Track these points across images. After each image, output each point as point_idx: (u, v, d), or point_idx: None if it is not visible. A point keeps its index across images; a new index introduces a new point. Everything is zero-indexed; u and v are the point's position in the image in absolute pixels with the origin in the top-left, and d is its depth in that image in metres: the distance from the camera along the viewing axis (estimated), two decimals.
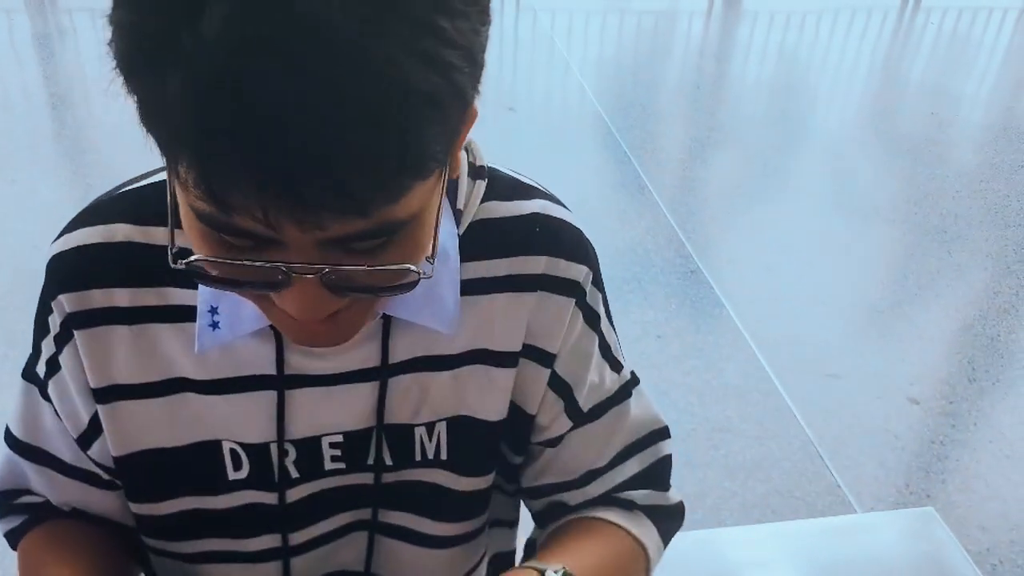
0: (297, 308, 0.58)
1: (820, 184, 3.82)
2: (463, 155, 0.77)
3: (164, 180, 0.76)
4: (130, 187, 0.78)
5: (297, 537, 0.84)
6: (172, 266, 0.59)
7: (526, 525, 0.99)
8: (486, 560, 0.96)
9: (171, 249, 0.61)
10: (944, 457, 2.43)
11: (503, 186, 0.80)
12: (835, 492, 2.29)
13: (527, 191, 0.81)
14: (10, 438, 0.85)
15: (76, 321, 0.75)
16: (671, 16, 5.73)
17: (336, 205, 0.50)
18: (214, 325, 0.73)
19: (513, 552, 1.04)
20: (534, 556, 0.84)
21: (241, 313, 0.73)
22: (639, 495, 0.89)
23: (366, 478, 0.82)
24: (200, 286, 0.73)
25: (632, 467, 0.89)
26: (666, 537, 0.91)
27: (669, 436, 0.91)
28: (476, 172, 0.78)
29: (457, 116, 0.53)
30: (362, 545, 0.87)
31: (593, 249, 0.84)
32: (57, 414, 0.81)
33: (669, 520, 0.92)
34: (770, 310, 2.94)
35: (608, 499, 0.88)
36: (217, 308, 0.73)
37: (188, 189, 0.52)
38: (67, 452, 0.82)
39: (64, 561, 0.81)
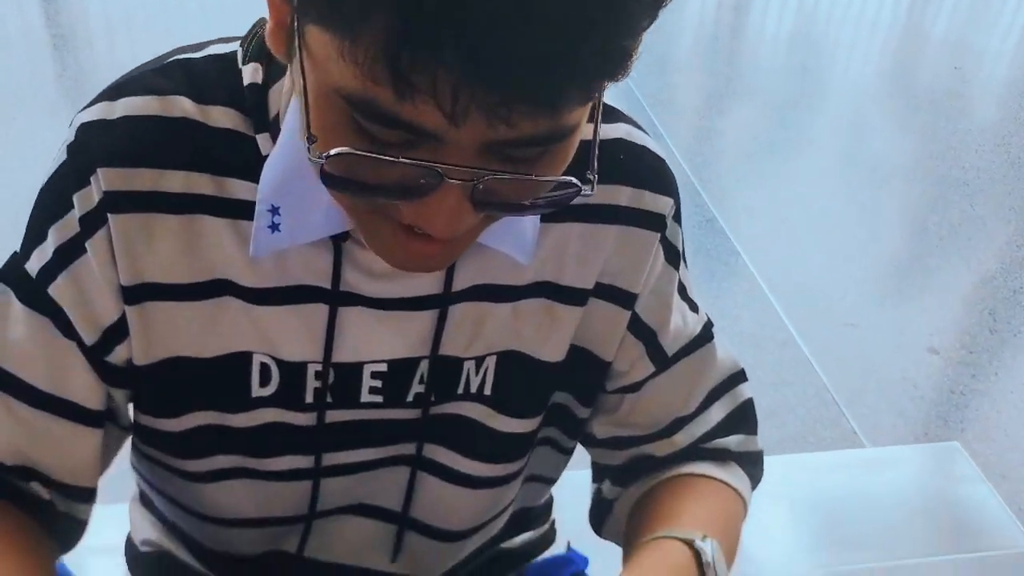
0: (433, 220, 0.52)
1: (839, 137, 3.73)
2: None
3: (223, 55, 0.67)
4: (182, 56, 0.68)
5: (332, 458, 0.77)
6: (308, 158, 0.52)
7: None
8: (511, 509, 0.90)
9: (307, 134, 0.52)
10: (964, 406, 2.38)
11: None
12: (851, 439, 2.24)
13: (610, 113, 0.74)
14: None
15: (115, 203, 0.65)
16: None
17: (540, 97, 0.46)
18: (274, 227, 0.65)
19: (539, 507, 0.98)
20: (640, 519, 0.80)
21: (305, 218, 0.65)
22: (732, 441, 0.83)
23: (408, 414, 0.76)
24: (261, 182, 0.64)
25: (717, 413, 0.83)
26: (754, 486, 0.86)
27: (747, 379, 0.86)
28: None
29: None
30: (402, 481, 0.80)
31: (675, 179, 0.78)
32: (59, 327, 0.68)
33: (756, 468, 0.86)
34: (786, 260, 2.88)
35: (698, 451, 0.82)
36: (279, 209, 0.65)
37: (357, 64, 0.46)
38: (42, 376, 0.69)
39: None
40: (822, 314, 2.65)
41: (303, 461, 0.76)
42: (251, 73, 0.65)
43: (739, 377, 0.85)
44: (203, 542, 0.86)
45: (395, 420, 0.76)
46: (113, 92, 0.66)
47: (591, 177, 0.56)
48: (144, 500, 0.95)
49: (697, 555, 0.70)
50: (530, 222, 0.70)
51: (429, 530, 0.83)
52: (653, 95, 3.84)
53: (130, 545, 0.98)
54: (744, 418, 0.84)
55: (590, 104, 0.53)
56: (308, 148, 0.52)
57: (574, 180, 0.54)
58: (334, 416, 0.75)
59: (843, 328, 2.62)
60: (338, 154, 0.50)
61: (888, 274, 2.89)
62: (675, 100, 3.89)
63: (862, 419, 2.30)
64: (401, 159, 0.49)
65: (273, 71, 0.66)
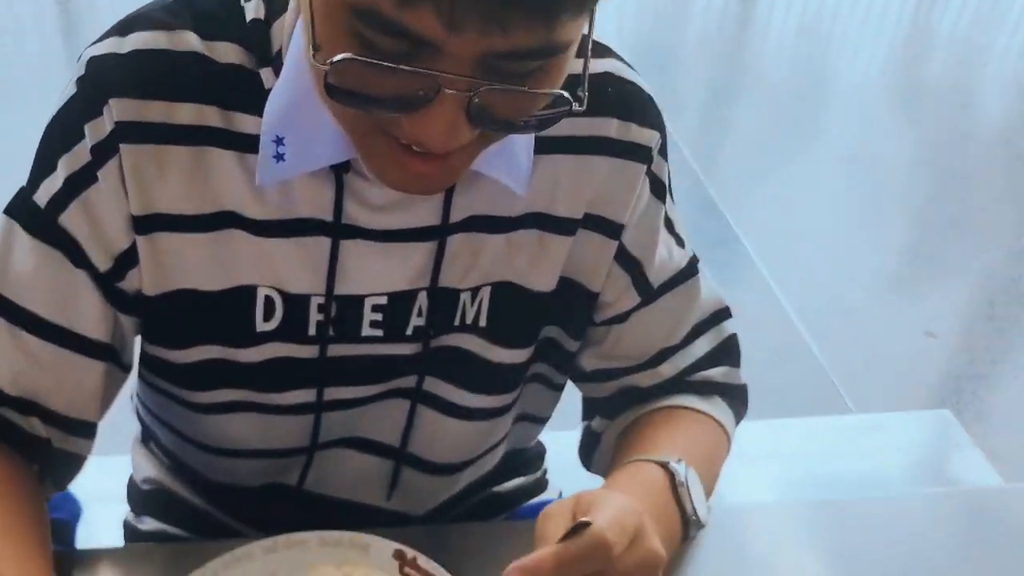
0: (430, 132, 0.54)
1: (842, 129, 3.74)
2: None
3: None
4: None
5: (334, 393, 0.79)
6: (312, 63, 0.54)
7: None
8: (503, 447, 0.92)
9: (311, 43, 0.55)
10: (960, 390, 2.40)
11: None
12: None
13: (600, 49, 0.77)
14: None
15: (127, 134, 0.67)
16: None
17: (533, 6, 0.49)
18: (278, 157, 0.67)
19: (530, 452, 1.01)
20: (622, 448, 0.82)
21: (309, 147, 0.67)
22: (716, 373, 0.85)
23: (408, 348, 0.78)
24: (266, 113, 0.67)
25: (702, 346, 0.85)
26: (738, 422, 0.89)
27: (731, 315, 0.88)
28: None
29: None
30: (401, 414, 0.82)
31: (661, 114, 0.80)
32: (70, 257, 0.69)
33: (740, 403, 0.89)
34: (785, 244, 2.90)
35: (682, 383, 0.85)
36: (283, 139, 0.67)
37: None
38: (50, 306, 0.70)
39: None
40: (820, 297, 2.67)
41: (306, 395, 0.78)
42: (253, 9, 0.68)
43: (723, 314, 0.87)
44: (205, 473, 0.88)
45: (395, 355, 0.78)
46: (122, 28, 0.69)
47: (582, 94, 0.58)
48: (145, 440, 0.97)
49: (671, 476, 0.73)
50: (524, 151, 0.72)
51: (424, 464, 0.85)
52: (656, 85, 3.85)
53: (131, 485, 1.01)
54: (728, 352, 0.87)
55: (583, 23, 0.55)
56: (313, 56, 0.54)
57: (565, 94, 0.56)
58: (336, 350, 0.77)
59: (842, 312, 2.63)
60: (342, 60, 0.52)
61: (888, 259, 2.91)
62: (679, 91, 3.91)
63: (859, 401, 2.32)
64: (401, 67, 0.52)
65: (274, 7, 0.68)
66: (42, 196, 0.69)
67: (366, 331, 0.76)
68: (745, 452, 1.29)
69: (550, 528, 0.61)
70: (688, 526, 0.74)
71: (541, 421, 0.95)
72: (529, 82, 0.55)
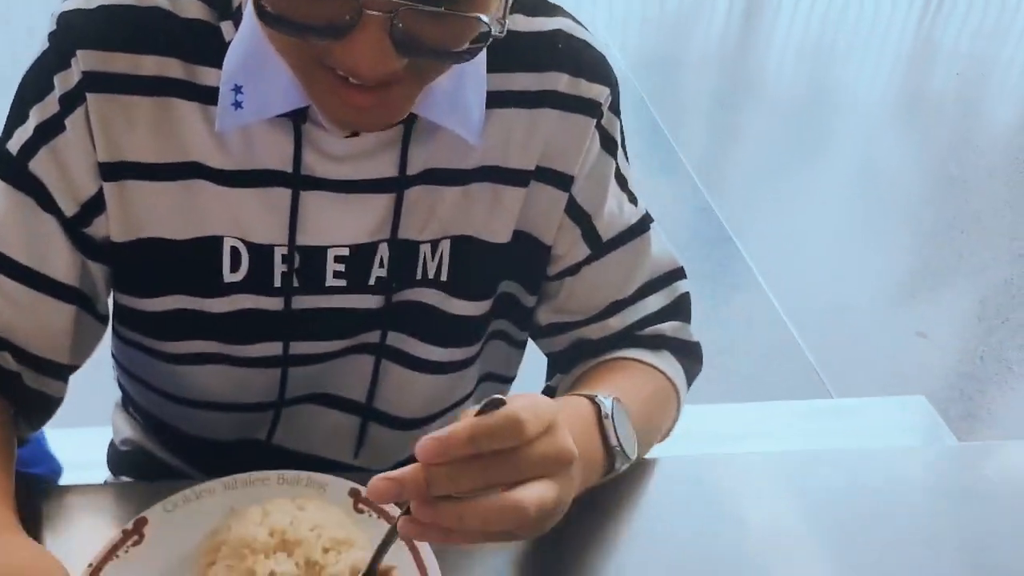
0: (358, 57, 0.57)
1: (845, 139, 3.76)
2: None
3: None
4: None
5: (299, 347, 0.81)
6: None
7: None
8: (471, 400, 0.94)
9: None
10: (948, 387, 2.41)
11: (528, 1, 0.79)
12: None
13: (551, 8, 0.80)
14: None
15: (93, 83, 0.71)
16: None
17: None
18: (237, 104, 0.71)
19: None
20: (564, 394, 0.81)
21: (265, 95, 0.70)
22: (666, 327, 0.87)
23: (371, 300, 0.80)
24: (225, 63, 0.70)
25: (655, 303, 0.87)
26: (690, 379, 0.90)
27: (685, 276, 0.90)
28: None
29: None
30: (367, 370, 0.84)
31: (614, 73, 0.82)
32: (39, 202, 0.72)
33: (692, 360, 0.90)
34: (779, 246, 2.92)
35: (633, 337, 0.87)
36: (241, 88, 0.70)
37: None
38: (21, 249, 0.73)
39: None
40: (812, 297, 2.69)
41: (272, 348, 0.81)
42: None
43: (678, 273, 0.89)
44: (179, 427, 0.90)
45: (358, 309, 0.81)
46: None
47: (503, 21, 0.61)
48: (125, 404, 1.00)
49: (598, 408, 0.73)
50: (476, 102, 0.75)
51: (391, 420, 0.88)
52: (659, 95, 3.89)
53: (111, 448, 1.04)
54: (679, 309, 0.89)
55: None
56: None
57: (483, 17, 0.58)
58: (301, 302, 0.79)
59: (833, 311, 2.65)
60: None
61: (880, 260, 2.92)
62: (680, 100, 3.94)
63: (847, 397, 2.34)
64: None
65: None
66: (14, 144, 0.73)
67: (330, 281, 0.79)
68: (732, 432, 1.31)
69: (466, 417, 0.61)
70: (614, 458, 0.73)
71: (507, 380, 0.98)
72: (447, 4, 0.57)
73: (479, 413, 0.55)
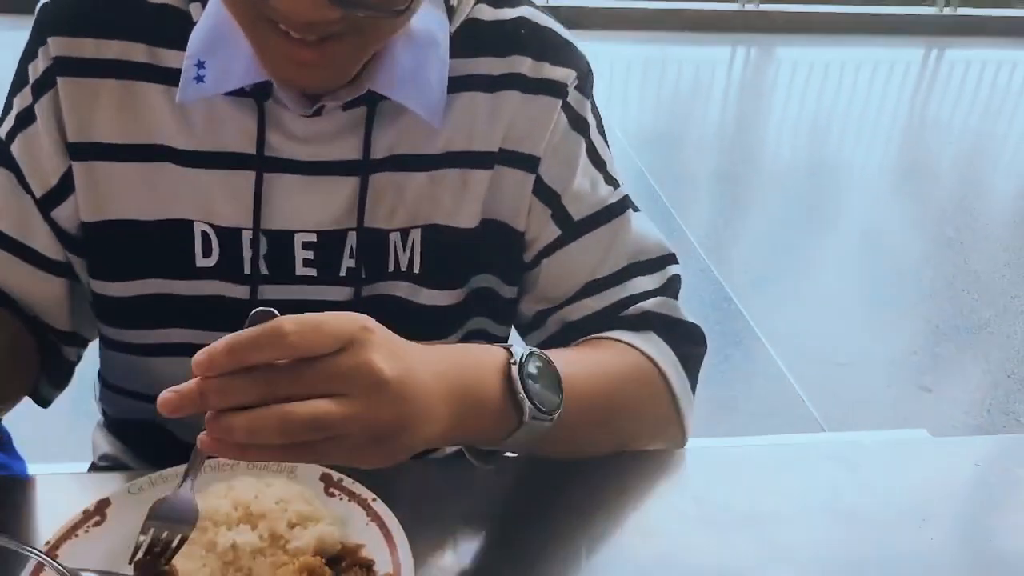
0: (290, 4, 0.60)
1: (841, 206, 3.81)
2: None
3: None
4: None
5: None
6: None
7: None
8: None
9: None
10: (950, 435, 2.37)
11: None
12: None
13: (515, 0, 0.82)
14: None
15: (63, 67, 0.75)
16: (709, 64, 5.77)
17: None
18: (199, 79, 0.73)
19: None
20: None
21: (227, 69, 0.73)
22: (650, 303, 0.83)
23: (343, 293, 0.80)
24: (190, 40, 0.73)
25: (643, 284, 0.84)
26: (687, 362, 0.83)
27: (677, 262, 0.87)
28: None
29: None
30: None
31: (584, 59, 0.83)
32: (19, 182, 0.78)
33: (687, 342, 0.84)
34: (778, 305, 2.92)
35: (616, 318, 0.82)
36: (204, 63, 0.73)
37: None
38: (10, 224, 0.79)
39: None
40: (814, 354, 2.67)
41: None
42: None
43: (669, 259, 0.86)
44: (158, 432, 0.88)
45: (328, 301, 0.80)
46: None
47: None
48: (104, 424, 0.99)
49: (508, 356, 0.67)
50: (437, 82, 0.76)
51: None
52: (660, 171, 3.93)
53: (91, 467, 1.02)
54: (668, 288, 0.85)
55: None
56: None
57: None
58: (269, 292, 0.79)
59: (835, 367, 2.62)
60: None
61: (882, 317, 2.91)
62: (679, 174, 3.98)
63: None
64: None
65: None
66: (3, 130, 0.79)
67: (300, 270, 0.79)
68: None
69: None
70: (522, 411, 0.66)
71: None
72: None
73: (247, 326, 0.54)
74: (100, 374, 0.93)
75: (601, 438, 0.79)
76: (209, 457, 0.58)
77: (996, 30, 6.40)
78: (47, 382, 0.86)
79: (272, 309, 0.56)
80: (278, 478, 0.68)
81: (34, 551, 0.61)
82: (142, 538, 0.60)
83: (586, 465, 0.78)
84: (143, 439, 0.92)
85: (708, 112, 4.97)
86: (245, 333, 0.54)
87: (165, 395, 0.54)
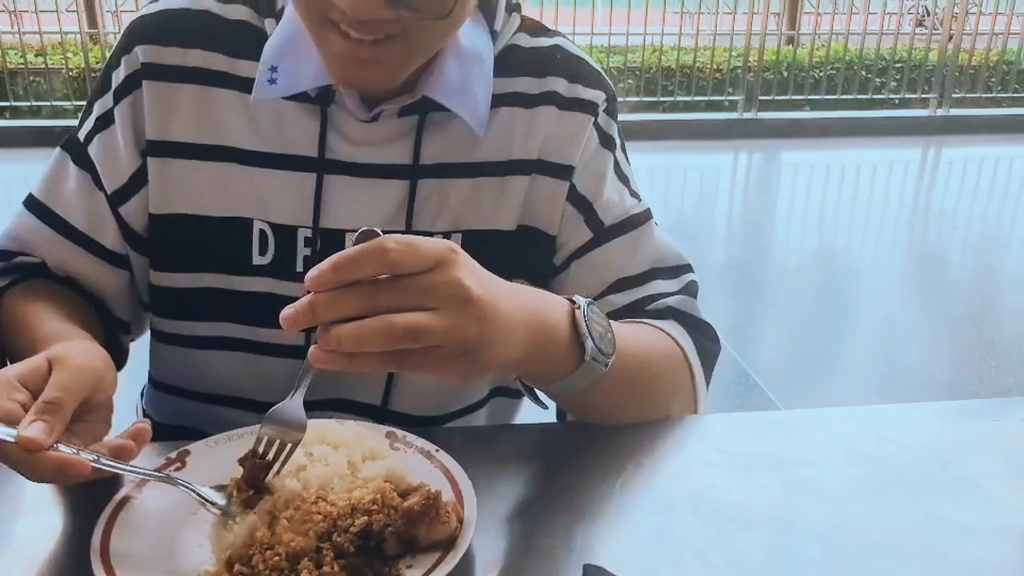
0: (350, 3, 0.69)
1: (851, 289, 3.89)
2: None
3: None
4: None
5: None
6: None
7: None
8: (487, 407, 0.98)
9: None
10: None
11: (531, 25, 0.93)
12: None
13: (550, 32, 0.94)
14: (30, 199, 0.91)
15: (149, 72, 0.85)
16: (714, 169, 5.97)
17: None
18: (272, 81, 0.83)
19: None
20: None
21: (297, 73, 0.82)
22: (672, 300, 0.91)
23: None
24: (265, 49, 0.83)
25: (668, 286, 0.91)
26: (703, 354, 0.90)
27: (693, 271, 0.95)
28: (512, 7, 0.91)
29: None
30: (383, 373, 0.88)
31: (611, 85, 0.94)
32: (94, 181, 0.86)
33: (704, 337, 0.91)
34: (802, 385, 2.95)
35: (640, 312, 0.89)
36: (277, 68, 0.83)
37: None
38: (82, 219, 0.88)
39: (41, 306, 0.83)
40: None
41: (295, 337, 0.87)
42: None
43: (686, 268, 0.94)
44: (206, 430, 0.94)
45: None
46: (153, 1, 0.89)
47: None
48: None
49: (572, 303, 0.75)
50: (482, 92, 0.86)
51: (407, 420, 0.91)
52: None
53: None
54: (686, 290, 0.93)
55: None
56: None
57: None
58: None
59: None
60: None
61: (907, 392, 2.93)
62: (699, 269, 4.06)
63: None
64: None
65: None
66: (83, 133, 0.89)
67: None
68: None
69: None
70: (583, 348, 0.73)
71: (515, 395, 1.01)
72: None
73: (354, 244, 0.60)
74: (150, 375, 0.99)
75: (633, 398, 0.84)
76: (317, 370, 0.63)
77: (988, 128, 6.63)
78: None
79: (375, 229, 0.61)
80: (350, 423, 0.75)
81: (136, 469, 0.67)
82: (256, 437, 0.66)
83: (615, 428, 0.84)
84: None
85: (716, 211, 5.12)
86: (350, 251, 0.59)
87: (285, 311, 0.59)
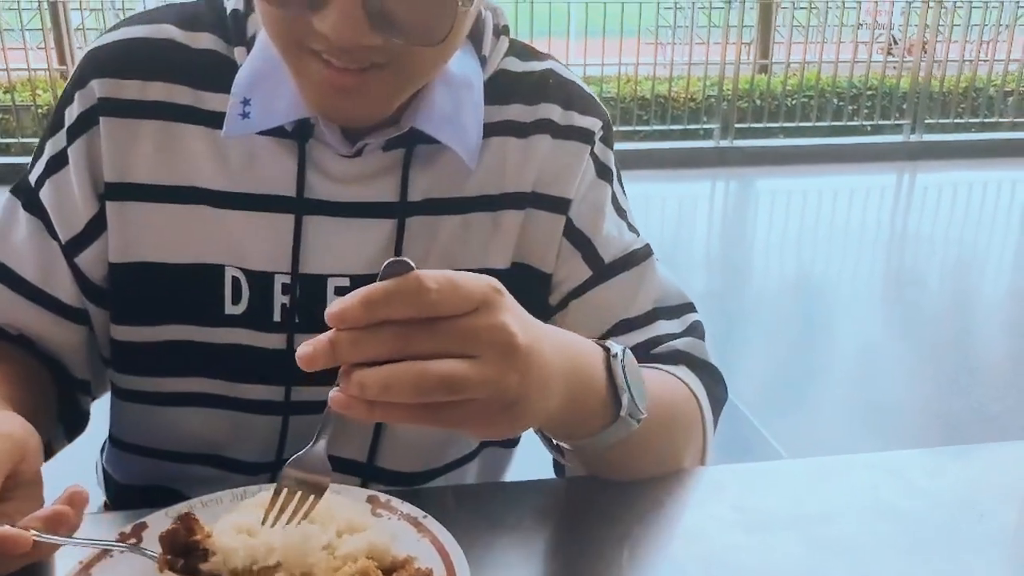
0: (331, 24, 0.62)
1: (831, 314, 3.86)
2: (487, 14, 0.83)
3: None
4: (178, 1, 0.82)
5: (301, 392, 0.80)
6: None
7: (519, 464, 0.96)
8: (472, 467, 0.92)
9: None
10: None
11: (520, 48, 0.86)
12: None
13: (541, 56, 0.87)
14: None
15: (106, 107, 0.77)
16: (691, 197, 5.95)
17: None
18: (244, 115, 0.75)
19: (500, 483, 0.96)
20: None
21: (271, 106, 0.75)
22: (680, 342, 0.84)
23: None
24: (236, 80, 0.75)
25: (667, 327, 0.85)
26: (714, 402, 0.84)
27: (696, 310, 0.88)
28: (500, 31, 0.84)
29: None
30: (370, 422, 0.81)
31: (605, 111, 0.87)
32: (47, 228, 0.78)
33: (713, 382, 0.85)
34: (785, 412, 2.90)
35: (648, 356, 0.82)
36: (250, 100, 0.75)
37: None
38: (33, 272, 0.79)
39: None
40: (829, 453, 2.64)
41: (273, 392, 0.80)
42: (233, 2, 0.79)
43: (689, 307, 0.88)
44: (177, 489, 0.86)
45: None
46: (111, 28, 0.81)
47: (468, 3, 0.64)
48: (108, 491, 0.96)
49: (606, 350, 0.68)
50: (473, 124, 0.79)
51: (391, 477, 0.85)
52: None
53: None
54: (693, 330, 0.87)
55: None
56: None
57: None
58: (302, 340, 0.78)
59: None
60: None
61: (893, 422, 2.89)
62: None
63: None
64: None
65: (251, 2, 0.78)
66: (33, 176, 0.80)
67: None
68: None
69: None
70: (620, 400, 0.67)
71: (508, 445, 0.94)
72: None
73: (381, 279, 0.52)
74: (110, 434, 0.91)
75: (654, 453, 0.78)
76: (339, 416, 0.55)
77: (961, 153, 6.69)
78: (63, 430, 0.84)
79: (407, 259, 0.52)
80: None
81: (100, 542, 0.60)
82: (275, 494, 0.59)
83: (619, 484, 0.77)
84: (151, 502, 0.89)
85: (694, 239, 5.10)
86: (381, 287, 0.51)
87: (302, 348, 0.51)
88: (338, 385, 0.53)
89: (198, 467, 0.84)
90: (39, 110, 5.97)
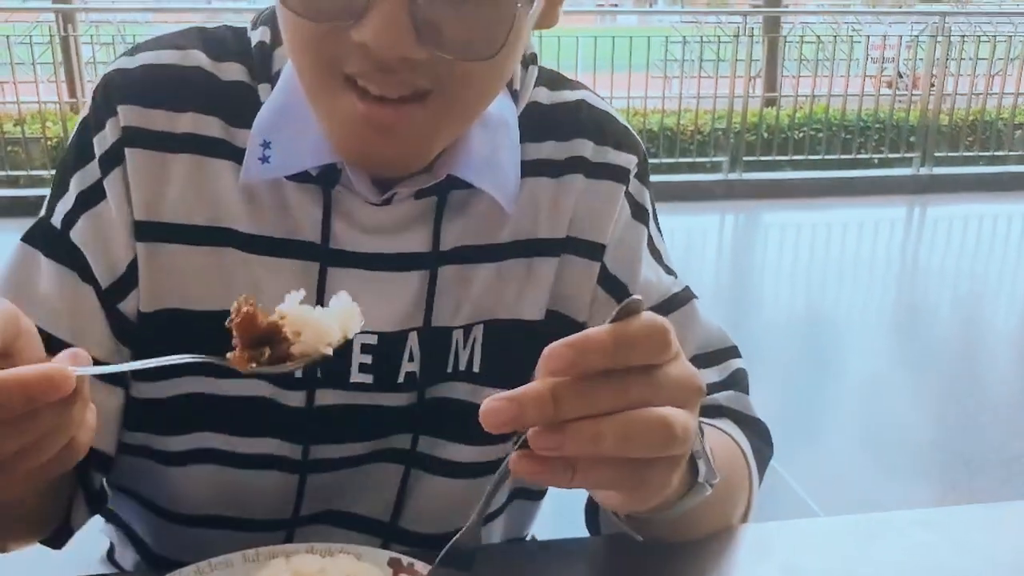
0: (373, 32, 0.56)
1: (842, 348, 3.81)
2: None
3: (235, 26, 0.75)
4: (197, 26, 0.76)
5: (320, 451, 0.75)
6: None
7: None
8: (501, 519, 0.86)
9: None
10: None
11: (549, 75, 0.81)
12: None
13: (572, 83, 0.82)
14: None
15: (133, 138, 0.69)
16: (700, 230, 5.92)
17: None
18: (264, 159, 0.69)
19: (524, 538, 0.91)
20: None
21: (294, 150, 0.69)
22: (721, 397, 0.80)
23: (399, 399, 0.74)
24: (256, 119, 0.69)
25: (710, 376, 0.80)
26: (760, 460, 0.80)
27: (740, 355, 0.84)
28: (527, 60, 0.78)
29: None
30: (394, 480, 0.77)
31: (642, 145, 0.82)
32: (80, 274, 0.69)
33: (761, 440, 0.81)
34: (799, 448, 2.84)
35: None
36: (270, 143, 0.69)
37: None
38: (66, 329, 0.69)
39: None
40: (846, 493, 2.58)
41: (290, 450, 0.74)
42: (259, 34, 0.74)
43: (732, 352, 0.83)
44: (178, 557, 0.78)
45: (387, 407, 0.74)
46: (131, 50, 0.74)
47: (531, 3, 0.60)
48: (111, 554, 0.91)
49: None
50: (511, 165, 0.74)
51: (414, 539, 0.79)
52: None
53: None
54: (736, 382, 0.82)
55: None
56: None
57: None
58: (324, 397, 0.73)
59: (867, 505, 2.53)
60: None
61: (914, 460, 2.83)
62: None
63: None
64: None
65: (278, 35, 0.72)
66: (57, 217, 0.72)
67: (355, 376, 0.73)
68: None
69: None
70: (695, 469, 0.61)
71: (536, 497, 0.89)
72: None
73: (615, 319, 0.46)
74: (110, 490, 0.81)
75: (712, 516, 0.73)
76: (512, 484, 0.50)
77: (971, 186, 6.66)
78: (83, 509, 0.74)
79: (639, 297, 0.47)
80: (343, 558, 0.63)
81: None
82: None
83: (659, 545, 0.72)
84: (155, 566, 0.82)
85: (703, 270, 5.06)
86: (629, 328, 0.45)
87: (493, 404, 0.45)
88: (514, 445, 0.47)
89: (201, 530, 0.77)
90: (48, 142, 5.98)
